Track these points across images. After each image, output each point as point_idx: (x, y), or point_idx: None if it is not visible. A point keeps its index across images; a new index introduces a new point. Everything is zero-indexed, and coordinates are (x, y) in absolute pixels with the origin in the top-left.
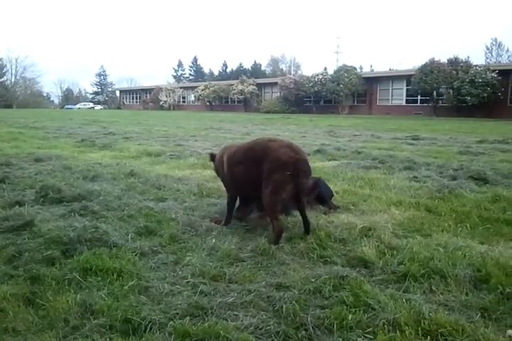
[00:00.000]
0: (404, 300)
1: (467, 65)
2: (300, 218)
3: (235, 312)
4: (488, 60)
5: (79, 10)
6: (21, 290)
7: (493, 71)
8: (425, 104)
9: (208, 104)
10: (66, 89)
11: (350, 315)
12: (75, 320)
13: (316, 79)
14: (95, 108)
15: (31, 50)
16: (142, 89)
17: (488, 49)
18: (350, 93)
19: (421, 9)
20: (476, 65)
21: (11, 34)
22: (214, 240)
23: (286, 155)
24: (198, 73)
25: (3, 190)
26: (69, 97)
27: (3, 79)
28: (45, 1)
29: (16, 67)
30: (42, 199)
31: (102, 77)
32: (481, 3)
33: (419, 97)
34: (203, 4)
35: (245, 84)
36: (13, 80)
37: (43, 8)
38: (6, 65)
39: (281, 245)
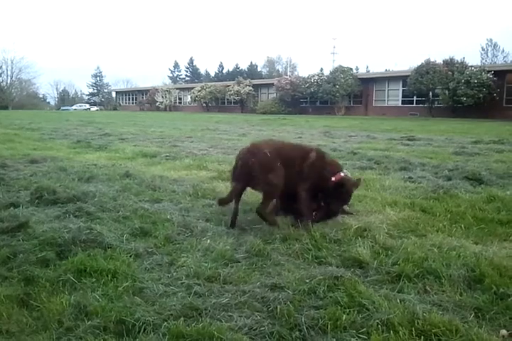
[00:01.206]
0: (398, 301)
1: (463, 66)
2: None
3: (230, 313)
4: (483, 61)
5: (75, 11)
6: (15, 291)
7: (489, 72)
8: (421, 105)
9: (204, 105)
10: (62, 91)
11: (344, 316)
12: (68, 321)
13: (312, 80)
14: (91, 109)
15: (27, 52)
16: (138, 90)
17: (483, 50)
18: (346, 94)
19: (417, 10)
20: (471, 66)
21: (7, 35)
22: (209, 241)
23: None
24: (194, 74)
25: None
26: (65, 98)
27: None
28: (41, 2)
29: (12, 68)
30: (37, 200)
31: (98, 78)
32: (476, 4)
33: (414, 98)
34: (199, 5)
35: (241, 85)
36: (8, 82)
37: (38, 9)
38: (1, 67)
39: (276, 246)
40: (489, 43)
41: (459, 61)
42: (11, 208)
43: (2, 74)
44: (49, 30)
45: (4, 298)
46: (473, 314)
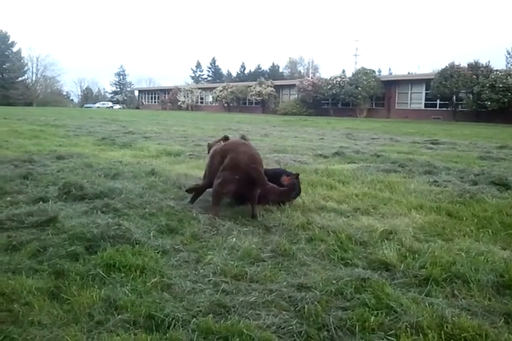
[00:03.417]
0: (426, 304)
1: (487, 70)
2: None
3: (257, 312)
4: (509, 65)
5: (100, 10)
6: (46, 284)
7: None
8: (444, 109)
9: (225, 105)
10: (86, 88)
11: (372, 317)
12: (99, 314)
13: (334, 82)
14: (114, 107)
15: (52, 49)
16: (161, 90)
17: (509, 53)
18: (369, 96)
19: (441, 13)
20: (496, 70)
21: (33, 33)
22: (234, 239)
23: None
24: (216, 74)
25: (26, 186)
26: (88, 96)
27: (24, 77)
28: (66, 0)
29: (37, 65)
30: (65, 195)
31: (121, 77)
32: (502, 7)
33: (438, 101)
34: (222, 6)
35: (263, 85)
36: (33, 79)
37: (64, 7)
38: (27, 64)
39: (301, 246)
40: None
41: (484, 65)
42: (40, 203)
43: (27, 72)
44: (74, 29)
45: (36, 290)
46: (502, 319)
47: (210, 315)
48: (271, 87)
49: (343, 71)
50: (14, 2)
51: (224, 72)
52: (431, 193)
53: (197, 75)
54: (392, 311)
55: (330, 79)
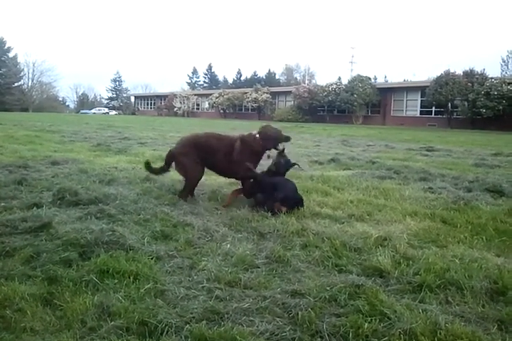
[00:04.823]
0: (420, 311)
1: (483, 77)
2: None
3: (251, 318)
4: (503, 73)
5: (96, 16)
6: (39, 290)
7: (509, 84)
8: (439, 116)
9: (221, 111)
10: (81, 94)
11: (366, 324)
12: (92, 321)
13: (330, 89)
14: (110, 113)
15: (48, 55)
16: (157, 96)
17: (504, 61)
18: (364, 103)
19: (437, 21)
20: (491, 78)
21: (29, 39)
22: (229, 246)
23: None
24: (213, 81)
25: (20, 191)
26: (84, 102)
27: (20, 83)
28: (62, 7)
29: (33, 71)
30: (59, 201)
31: (117, 83)
32: (497, 15)
33: (433, 109)
34: (218, 12)
35: (259, 92)
36: (29, 84)
37: (60, 13)
38: (23, 69)
39: (295, 252)
40: (510, 55)
41: (479, 72)
42: (34, 208)
43: (23, 77)
44: (71, 34)
45: (28, 296)
46: (496, 326)
47: (204, 322)
48: (267, 93)
49: (339, 78)
50: (11, 8)
51: (220, 78)
52: (425, 200)
53: (193, 81)
54: (386, 318)
55: (326, 86)
